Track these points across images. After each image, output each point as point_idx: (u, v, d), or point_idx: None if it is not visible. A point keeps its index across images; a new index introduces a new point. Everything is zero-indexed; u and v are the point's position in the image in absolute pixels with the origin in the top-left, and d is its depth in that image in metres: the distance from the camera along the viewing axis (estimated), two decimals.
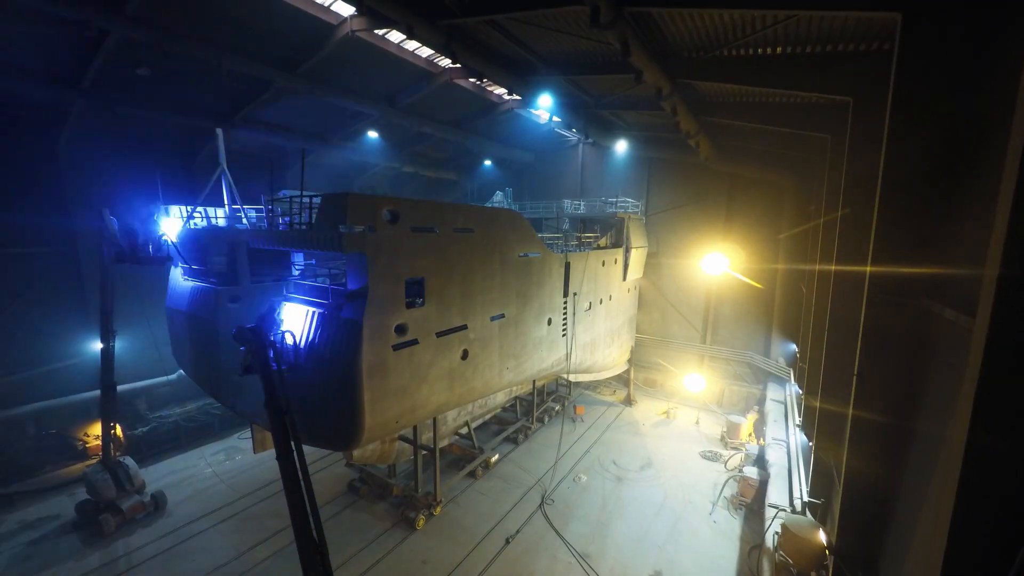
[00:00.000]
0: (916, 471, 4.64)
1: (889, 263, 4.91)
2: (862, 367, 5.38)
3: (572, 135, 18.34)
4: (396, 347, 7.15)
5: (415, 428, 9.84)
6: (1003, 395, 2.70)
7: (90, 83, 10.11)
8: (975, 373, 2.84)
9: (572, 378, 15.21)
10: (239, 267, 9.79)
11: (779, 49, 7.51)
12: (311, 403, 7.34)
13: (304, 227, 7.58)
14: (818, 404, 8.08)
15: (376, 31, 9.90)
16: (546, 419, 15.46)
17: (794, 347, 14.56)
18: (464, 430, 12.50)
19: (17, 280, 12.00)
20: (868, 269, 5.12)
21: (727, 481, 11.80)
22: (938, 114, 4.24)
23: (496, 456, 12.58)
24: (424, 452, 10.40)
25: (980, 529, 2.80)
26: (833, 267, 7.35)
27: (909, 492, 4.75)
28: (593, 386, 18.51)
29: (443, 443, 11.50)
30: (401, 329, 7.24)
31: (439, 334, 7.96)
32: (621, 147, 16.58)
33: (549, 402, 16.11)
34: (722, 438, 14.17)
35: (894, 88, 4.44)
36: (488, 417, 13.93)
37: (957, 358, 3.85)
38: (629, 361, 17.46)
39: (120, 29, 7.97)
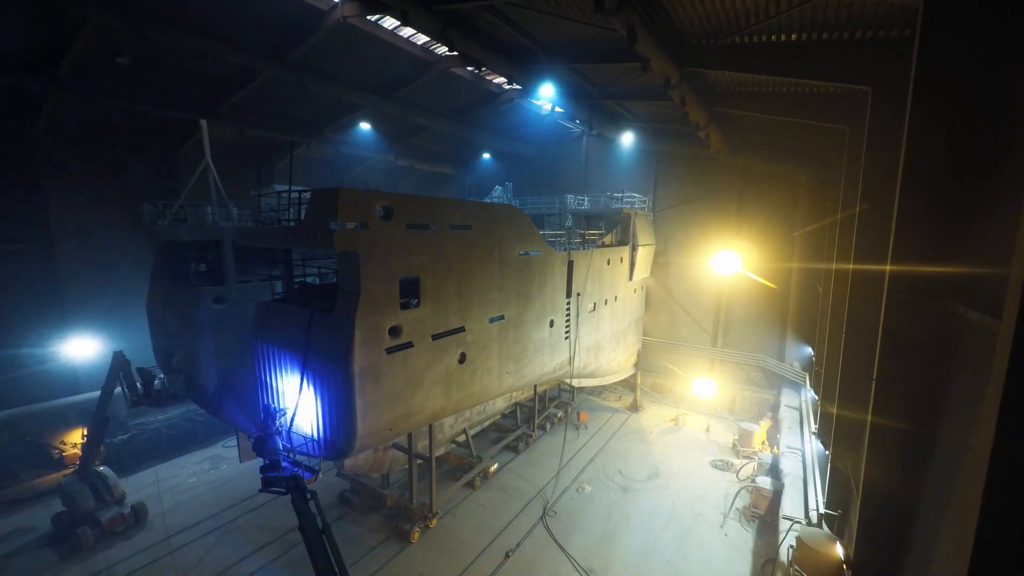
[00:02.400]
0: (939, 481, 4.63)
1: (910, 262, 4.90)
2: (881, 371, 5.37)
3: (575, 127, 18.32)
4: (390, 350, 7.12)
5: (410, 436, 9.82)
6: None
7: (67, 72, 10.04)
8: (1001, 377, 2.82)
9: (576, 383, 15.19)
10: (224, 266, 9.78)
11: (794, 36, 7.48)
12: (297, 407, 7.33)
13: (293, 224, 7.58)
14: (835, 410, 8.07)
15: (369, 17, 9.89)
16: (548, 426, 15.43)
17: (810, 350, 14.55)
18: (461, 438, 12.48)
19: None
20: (888, 268, 5.11)
21: (739, 492, 11.80)
22: (962, 104, 4.24)
23: (495, 465, 12.56)
24: (419, 461, 10.38)
25: (1007, 542, 2.79)
26: (851, 266, 7.34)
27: (931, 503, 4.74)
28: (598, 391, 18.50)
29: (439, 452, 11.48)
30: (395, 331, 7.22)
31: (435, 336, 7.93)
32: (627, 139, 16.59)
33: (551, 408, 16.09)
34: (734, 446, 14.14)
35: (915, 77, 4.42)
36: (487, 424, 13.92)
37: (981, 362, 3.84)
38: (636, 365, 17.43)
39: (98, 15, 7.94)
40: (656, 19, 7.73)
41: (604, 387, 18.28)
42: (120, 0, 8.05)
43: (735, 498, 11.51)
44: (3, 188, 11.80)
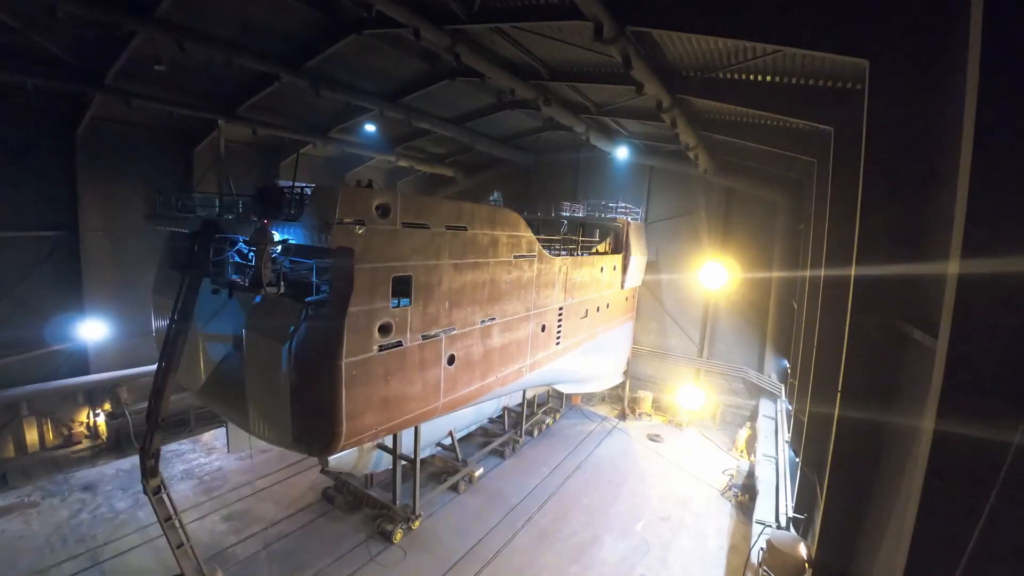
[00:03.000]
0: (888, 485, 5.00)
1: (868, 286, 5.36)
2: (845, 385, 5.78)
3: (573, 136, 18.80)
4: (379, 348, 7.12)
5: (395, 436, 9.85)
6: (961, 418, 2.94)
7: (112, 78, 10.97)
8: (936, 393, 3.16)
9: (565, 389, 15.35)
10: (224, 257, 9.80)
11: (768, 77, 8.25)
12: (284, 401, 7.30)
13: (293, 218, 7.68)
14: (805, 419, 8.49)
15: (382, 30, 10.22)
16: (535, 432, 15.56)
17: (786, 363, 15.11)
18: (447, 440, 12.50)
19: (25, 263, 12.76)
20: (850, 291, 5.57)
21: (720, 497, 12.09)
22: (907, 144, 4.77)
23: (480, 470, 12.56)
24: (404, 463, 10.39)
25: (940, 541, 3.10)
26: (821, 287, 7.85)
27: (881, 506, 5.10)
28: (587, 398, 18.75)
29: (424, 454, 11.48)
30: (385, 329, 7.18)
31: (425, 336, 7.93)
32: (622, 153, 17.12)
33: (540, 414, 16.21)
34: (719, 454, 14.50)
35: (867, 124, 4.99)
36: (474, 427, 13.95)
37: (924, 379, 4.22)
38: (625, 373, 17.73)
39: (147, 29, 8.68)
40: (650, 50, 8.30)
41: (593, 394, 18.52)
42: (166, 17, 8.72)
43: (716, 503, 11.82)
44: (49, 182, 12.86)
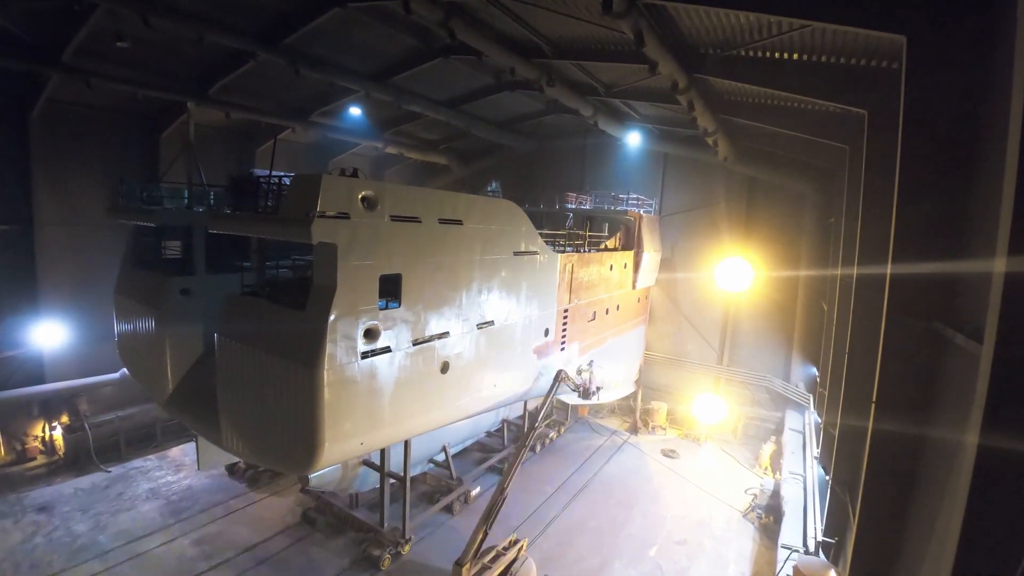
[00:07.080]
0: (928, 506, 4.99)
1: (905, 286, 5.35)
2: (880, 395, 5.77)
3: (579, 120, 18.79)
4: (364, 355, 7.05)
5: (383, 452, 9.83)
6: (1008, 431, 2.93)
7: (70, 57, 10.87)
8: (982, 401, 3.16)
9: (571, 400, 15.33)
10: (194, 254, 9.83)
11: (796, 55, 8.23)
12: (260, 413, 7.29)
13: (270, 211, 7.70)
14: (836, 434, 8.49)
15: (369, 3, 10.23)
16: (538, 447, 15.56)
17: (814, 370, 15.10)
18: (441, 456, 12.50)
19: None
20: (886, 292, 5.56)
21: (742, 518, 12.10)
22: (948, 128, 4.76)
23: (477, 489, 12.56)
24: (392, 481, 10.38)
25: (983, 564, 3.09)
26: (854, 287, 7.84)
27: (919, 528, 5.09)
28: (594, 410, 18.75)
29: (415, 471, 11.48)
30: (372, 334, 7.11)
31: (416, 342, 7.88)
32: (634, 139, 17.12)
33: (543, 428, 16.21)
34: (741, 471, 14.52)
35: (904, 106, 4.97)
36: (470, 442, 13.97)
37: (968, 388, 4.22)
38: (637, 382, 17.72)
39: (108, 2, 8.67)
40: (664, 25, 8.31)
41: (601, 406, 18.52)
42: None
43: (739, 524, 11.84)
44: None
